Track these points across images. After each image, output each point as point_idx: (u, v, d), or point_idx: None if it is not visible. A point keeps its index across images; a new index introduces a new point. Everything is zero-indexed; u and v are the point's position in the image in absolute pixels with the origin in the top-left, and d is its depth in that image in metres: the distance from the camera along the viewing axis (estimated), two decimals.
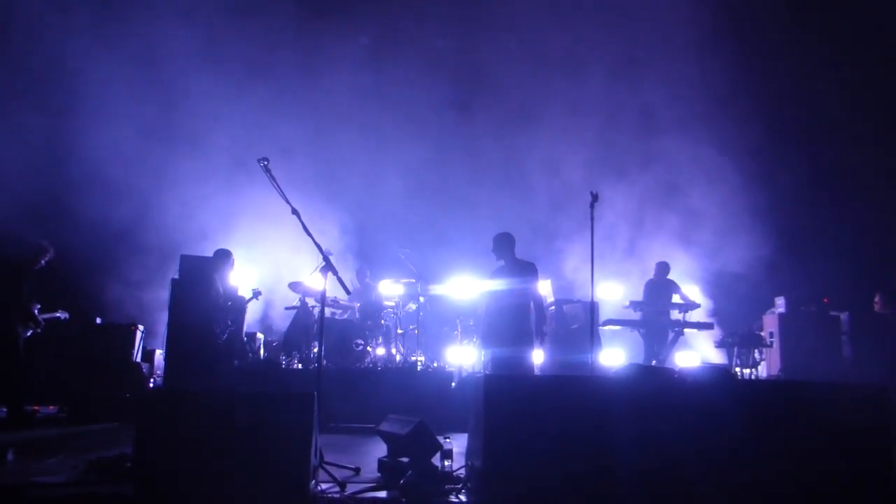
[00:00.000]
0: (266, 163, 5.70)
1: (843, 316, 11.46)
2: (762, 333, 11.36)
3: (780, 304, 11.72)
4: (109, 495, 4.66)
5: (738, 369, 10.53)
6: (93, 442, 7.31)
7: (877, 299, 11.70)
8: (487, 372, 9.30)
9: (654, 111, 13.86)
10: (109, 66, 11.85)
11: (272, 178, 5.73)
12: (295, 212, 5.80)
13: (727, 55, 13.32)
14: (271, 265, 12.24)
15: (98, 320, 10.63)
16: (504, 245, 8.10)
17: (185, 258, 9.97)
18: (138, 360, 10.27)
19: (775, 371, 11.17)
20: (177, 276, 9.74)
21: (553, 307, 11.20)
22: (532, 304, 7.96)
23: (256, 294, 10.04)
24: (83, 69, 11.73)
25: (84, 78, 11.72)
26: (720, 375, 5.28)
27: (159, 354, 10.80)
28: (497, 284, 8.00)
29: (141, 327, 10.52)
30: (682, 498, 4.51)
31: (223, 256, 9.51)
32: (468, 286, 11.86)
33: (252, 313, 11.40)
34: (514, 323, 7.85)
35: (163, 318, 10.48)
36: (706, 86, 13.36)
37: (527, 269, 8.00)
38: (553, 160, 13.89)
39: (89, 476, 5.19)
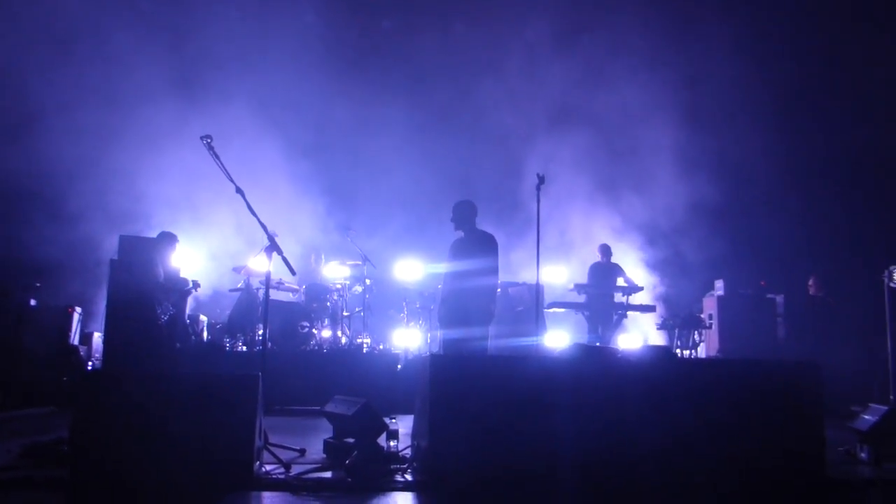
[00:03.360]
0: (209, 140, 5.57)
1: (779, 298, 11.82)
2: (702, 315, 11.63)
3: (720, 286, 12.02)
4: (45, 480, 4.54)
5: (678, 350, 10.77)
6: (28, 426, 7.12)
7: (810, 282, 12.11)
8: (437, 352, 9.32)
9: (608, 92, 13.99)
10: (47, 29, 11.43)
11: (216, 156, 5.61)
12: (239, 191, 5.70)
13: (690, 39, 13.54)
14: (215, 246, 12.01)
15: (33, 302, 10.31)
16: (464, 214, 7.69)
17: (123, 238, 9.73)
18: (76, 342, 10.01)
19: (714, 351, 11.48)
20: (115, 258, 9.51)
21: (499, 290, 11.26)
22: (488, 282, 7.57)
23: (195, 285, 9.85)
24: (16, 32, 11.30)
25: (16, 44, 11.28)
26: (661, 355, 5.38)
27: (98, 337, 10.55)
28: (454, 262, 7.66)
29: (78, 309, 10.25)
30: (625, 473, 4.61)
31: (167, 239, 9.34)
32: (414, 268, 11.89)
33: (195, 295, 11.19)
34: (469, 303, 7.47)
35: (101, 300, 10.22)
36: (664, 70, 13.58)
37: (486, 244, 7.62)
38: (500, 142, 13.96)
39: (25, 461, 5.04)
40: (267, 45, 12.86)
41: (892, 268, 8.36)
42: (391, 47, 14.20)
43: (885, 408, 5.94)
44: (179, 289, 9.55)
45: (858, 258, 11.70)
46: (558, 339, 11.66)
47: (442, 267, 8.04)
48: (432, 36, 14.07)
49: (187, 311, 10.43)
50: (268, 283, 6.26)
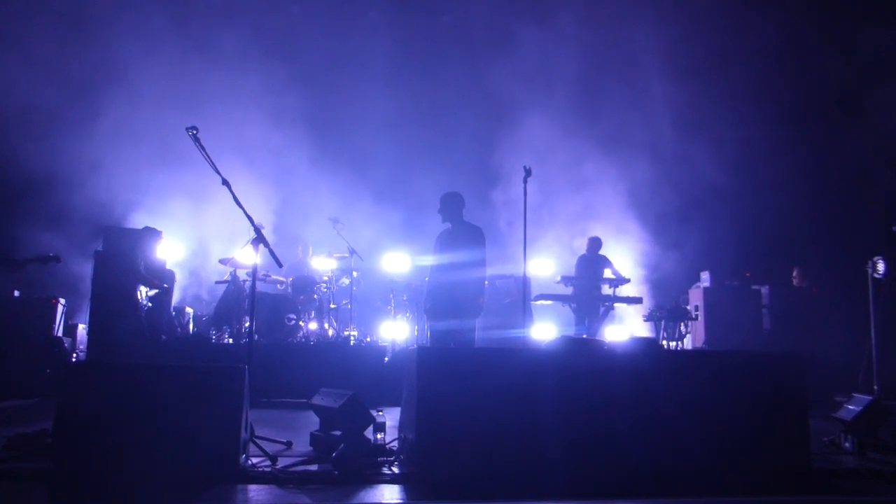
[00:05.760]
0: (195, 132, 5.52)
1: (764, 289, 11.88)
2: (688, 307, 11.67)
3: (706, 278, 12.07)
4: (29, 472, 4.50)
5: (664, 342, 10.80)
6: (12, 418, 7.07)
7: (794, 273, 12.20)
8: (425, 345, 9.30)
9: (597, 84, 13.98)
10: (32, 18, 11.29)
11: (201, 147, 5.56)
12: (225, 182, 5.65)
13: (684, 32, 13.53)
14: (202, 238, 11.93)
15: (16, 293, 10.22)
16: (452, 206, 7.68)
17: (109, 230, 9.68)
18: (60, 334, 9.93)
19: (700, 343, 11.52)
20: (100, 249, 9.44)
21: (486, 282, 11.26)
22: (476, 275, 7.56)
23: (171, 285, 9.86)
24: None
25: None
26: (648, 346, 5.39)
27: (82, 329, 10.47)
28: (440, 254, 7.64)
29: (62, 301, 10.17)
30: (612, 464, 4.63)
31: (150, 234, 9.27)
32: (402, 261, 11.86)
33: (181, 287, 11.13)
34: (457, 295, 7.45)
35: (86, 292, 10.14)
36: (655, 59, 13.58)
37: (473, 236, 7.62)
38: (488, 131, 13.94)
39: (8, 453, 5.00)
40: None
41: (875, 258, 8.40)
42: (379, 36, 14.12)
43: (869, 398, 5.99)
44: (162, 282, 9.49)
45: (842, 249, 11.79)
46: (545, 331, 11.67)
47: (429, 259, 8.03)
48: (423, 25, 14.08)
49: (173, 303, 10.38)
50: (254, 275, 6.23)
